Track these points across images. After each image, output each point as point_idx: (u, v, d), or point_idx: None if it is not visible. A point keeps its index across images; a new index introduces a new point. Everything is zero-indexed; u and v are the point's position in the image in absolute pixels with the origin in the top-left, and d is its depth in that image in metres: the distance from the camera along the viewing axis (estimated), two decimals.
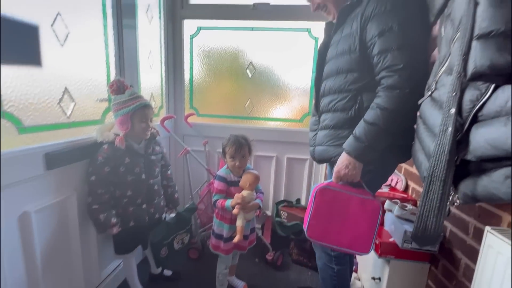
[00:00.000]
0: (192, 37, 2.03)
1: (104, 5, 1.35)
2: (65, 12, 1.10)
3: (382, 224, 1.50)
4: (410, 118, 0.91)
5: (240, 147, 1.34)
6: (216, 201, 1.35)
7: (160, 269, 1.60)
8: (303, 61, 1.97)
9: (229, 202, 1.31)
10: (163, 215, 1.45)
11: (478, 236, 1.03)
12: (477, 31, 0.50)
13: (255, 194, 1.35)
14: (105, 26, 1.37)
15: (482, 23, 0.49)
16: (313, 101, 1.17)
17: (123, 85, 1.23)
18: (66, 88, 1.14)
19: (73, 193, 1.16)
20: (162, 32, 1.92)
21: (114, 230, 1.20)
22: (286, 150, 2.07)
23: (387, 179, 1.13)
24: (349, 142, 0.95)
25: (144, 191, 1.29)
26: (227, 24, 1.98)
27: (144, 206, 1.30)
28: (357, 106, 0.97)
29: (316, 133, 1.13)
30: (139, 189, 1.27)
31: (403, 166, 1.65)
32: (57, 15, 1.06)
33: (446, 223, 1.23)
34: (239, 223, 1.30)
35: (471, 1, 0.59)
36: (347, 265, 1.17)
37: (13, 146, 0.94)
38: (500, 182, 0.58)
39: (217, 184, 1.38)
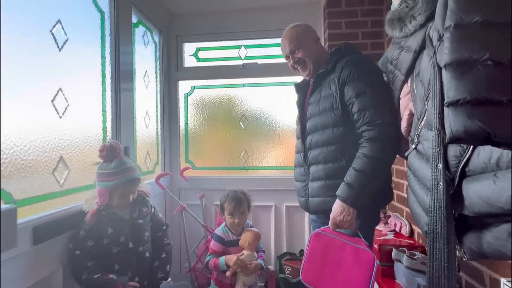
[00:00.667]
0: (186, 95, 2.16)
1: (103, 74, 1.46)
2: (66, 85, 1.17)
3: (393, 276, 1.40)
4: (390, 166, 1.05)
5: (239, 203, 1.31)
6: (208, 262, 1.26)
7: None
8: (292, 112, 2.07)
9: (222, 259, 1.22)
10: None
11: (496, 287, 0.96)
12: (446, 99, 0.54)
13: (255, 254, 1.28)
14: (103, 92, 1.45)
15: (449, 93, 0.53)
16: (302, 154, 1.22)
17: (113, 152, 1.15)
18: (61, 157, 1.15)
19: (59, 267, 1.08)
20: (158, 93, 2.04)
21: (133, 284, 1.11)
22: (284, 198, 2.03)
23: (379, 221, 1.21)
24: (342, 189, 1.01)
25: (133, 262, 1.16)
26: (219, 83, 2.13)
27: (136, 279, 1.16)
28: (347, 157, 1.07)
29: (306, 185, 1.18)
30: (127, 260, 1.15)
31: (405, 209, 1.61)
32: (58, 90, 1.13)
33: (460, 273, 1.16)
34: (238, 287, 1.20)
35: (435, 66, 0.65)
36: None
37: None
38: (504, 239, 0.56)
39: (213, 244, 1.31)
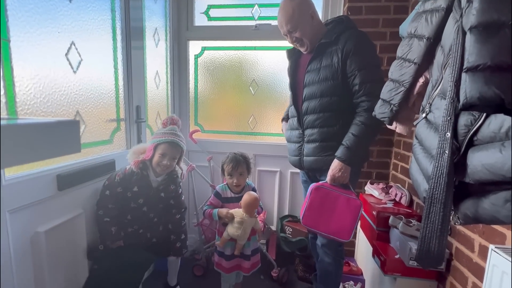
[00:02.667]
0: (196, 57, 2.11)
1: (114, 30, 1.43)
2: (78, 40, 1.17)
3: (388, 240, 1.49)
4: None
5: (238, 165, 1.37)
6: (204, 210, 1.39)
7: (175, 282, 1.62)
8: None
9: (216, 211, 1.34)
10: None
11: (484, 253, 1.02)
12: (465, 64, 0.53)
13: (255, 217, 1.35)
14: (114, 49, 1.44)
15: (470, 57, 0.52)
16: (296, 118, 1.33)
17: (171, 121, 1.35)
18: (78, 112, 1.20)
19: (82, 211, 1.20)
20: (168, 53, 2.00)
21: (119, 243, 1.25)
22: (289, 165, 2.06)
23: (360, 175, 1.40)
24: (341, 151, 1.18)
25: (143, 222, 1.33)
26: (230, 44, 2.06)
27: (141, 231, 1.34)
28: (341, 123, 1.21)
29: (301, 146, 1.32)
30: (138, 218, 1.31)
31: (408, 181, 1.65)
32: (71, 44, 1.13)
33: (451, 239, 1.23)
34: (224, 234, 1.33)
35: (459, 30, 0.62)
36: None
37: (25, 169, 0.98)
38: (500, 205, 0.59)
39: (212, 198, 1.43)
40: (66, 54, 1.12)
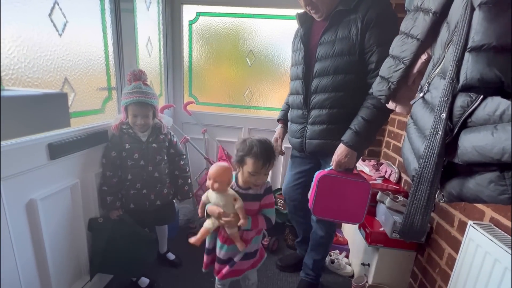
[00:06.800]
0: (191, 23, 1.99)
1: None
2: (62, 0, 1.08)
3: (374, 214, 1.56)
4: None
5: (267, 162, 0.98)
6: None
7: (165, 249, 1.70)
8: None
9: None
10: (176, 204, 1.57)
11: (462, 228, 1.09)
12: (470, 44, 0.51)
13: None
14: (102, 11, 1.34)
15: (476, 36, 0.50)
16: (301, 97, 1.22)
17: (134, 77, 1.29)
18: (66, 79, 1.14)
19: (77, 181, 1.20)
20: (161, 17, 1.88)
21: (116, 213, 1.32)
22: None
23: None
24: (349, 137, 1.10)
25: (143, 177, 1.34)
26: (227, 10, 1.94)
27: (144, 191, 1.36)
28: (354, 104, 1.10)
29: (304, 127, 1.23)
30: (138, 174, 1.33)
31: (398, 158, 1.69)
32: (54, 3, 1.04)
33: (433, 215, 1.29)
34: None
35: (468, 6, 0.59)
36: None
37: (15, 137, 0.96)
38: (484, 186, 0.62)
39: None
40: (50, 15, 1.03)
